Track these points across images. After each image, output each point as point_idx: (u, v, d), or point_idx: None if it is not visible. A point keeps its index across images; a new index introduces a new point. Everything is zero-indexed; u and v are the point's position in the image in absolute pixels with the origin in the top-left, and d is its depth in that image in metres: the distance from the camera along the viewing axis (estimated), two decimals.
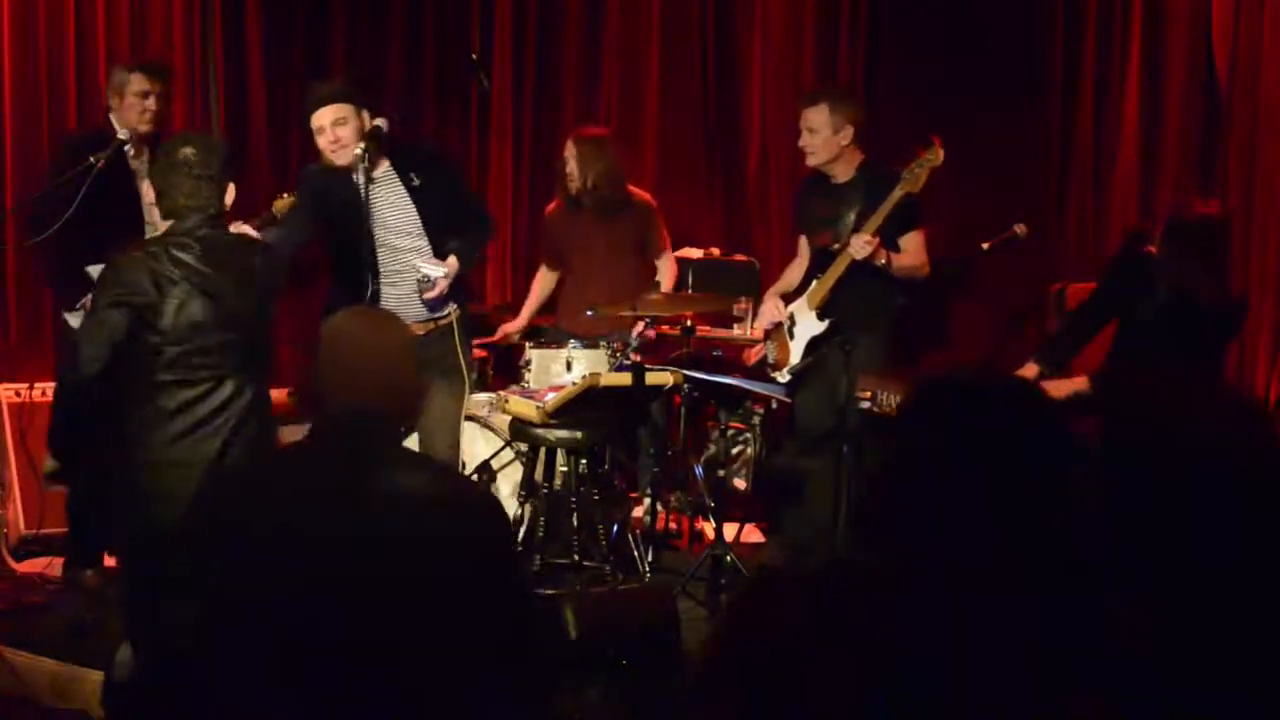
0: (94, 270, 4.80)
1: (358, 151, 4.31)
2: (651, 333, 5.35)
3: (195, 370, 3.52)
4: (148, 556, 3.43)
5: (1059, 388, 4.40)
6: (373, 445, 2.35)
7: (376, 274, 4.43)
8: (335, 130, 4.36)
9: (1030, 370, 4.50)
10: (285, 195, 5.01)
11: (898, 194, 4.70)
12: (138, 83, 4.84)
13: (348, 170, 4.41)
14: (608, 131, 5.82)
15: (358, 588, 2.17)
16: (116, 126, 4.82)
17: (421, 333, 4.55)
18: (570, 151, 5.57)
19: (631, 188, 5.70)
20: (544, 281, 5.87)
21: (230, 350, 3.56)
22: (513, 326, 5.84)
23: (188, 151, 3.51)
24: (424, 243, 4.51)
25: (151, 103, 4.85)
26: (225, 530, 2.31)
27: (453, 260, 4.48)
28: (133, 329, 3.48)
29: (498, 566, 2.32)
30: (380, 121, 4.40)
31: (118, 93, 4.85)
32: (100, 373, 3.51)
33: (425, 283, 4.44)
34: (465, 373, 4.62)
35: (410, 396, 2.53)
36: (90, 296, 4.73)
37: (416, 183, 4.51)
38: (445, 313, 4.58)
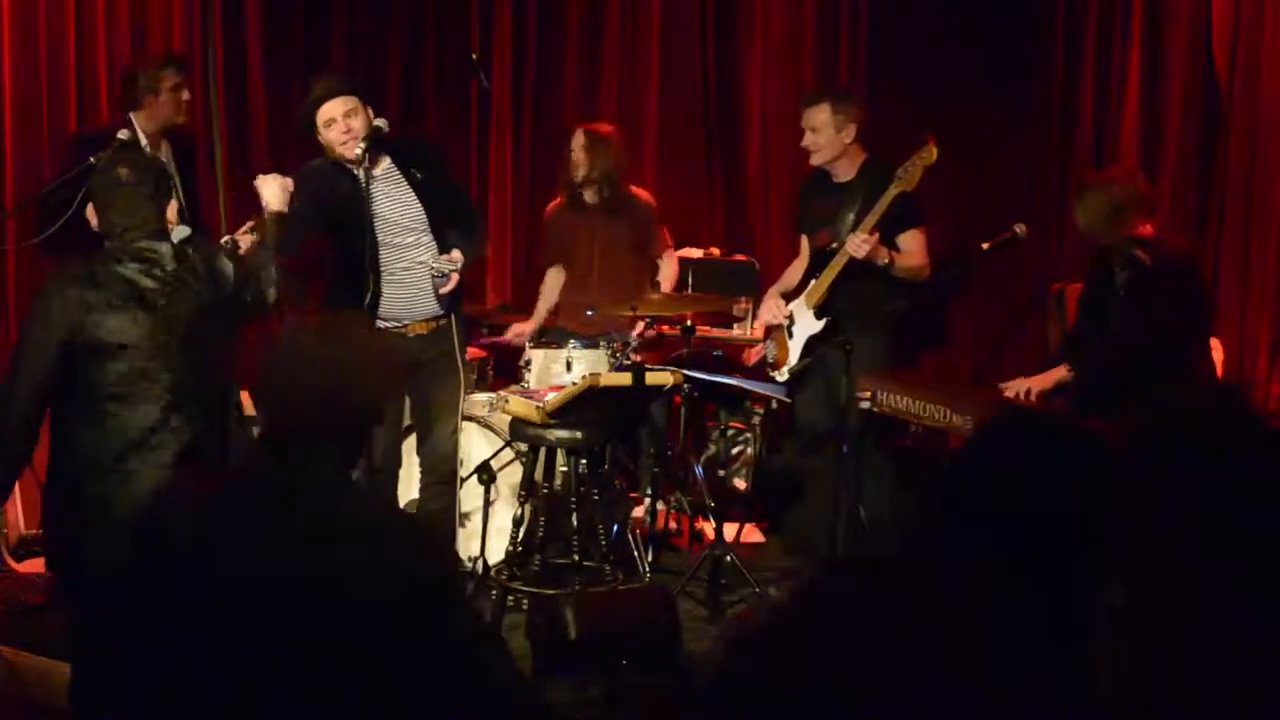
0: None
1: (358, 151, 4.31)
2: (652, 331, 5.34)
3: (131, 395, 3.34)
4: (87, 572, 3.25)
5: (1043, 379, 4.46)
6: (302, 475, 2.15)
7: (379, 273, 4.41)
8: (347, 121, 4.35)
9: (1062, 372, 4.51)
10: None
11: (892, 192, 4.72)
12: (171, 77, 4.86)
13: (348, 168, 4.40)
14: (614, 129, 5.82)
15: (280, 624, 2.04)
16: (138, 126, 4.82)
17: (425, 331, 4.55)
18: (579, 142, 5.56)
19: (632, 188, 5.70)
20: (552, 280, 5.83)
21: (170, 370, 3.37)
22: (526, 327, 5.77)
23: (123, 171, 3.47)
24: (429, 238, 4.50)
25: (185, 94, 4.89)
26: (151, 568, 2.14)
27: (457, 254, 4.46)
28: (65, 353, 3.33)
29: (429, 607, 2.10)
30: (380, 122, 4.39)
31: (149, 91, 4.84)
32: (26, 405, 3.34)
33: (439, 278, 4.43)
34: (463, 368, 4.64)
35: (355, 414, 2.23)
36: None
37: (420, 177, 4.50)
38: (449, 310, 4.57)
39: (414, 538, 2.19)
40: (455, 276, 4.43)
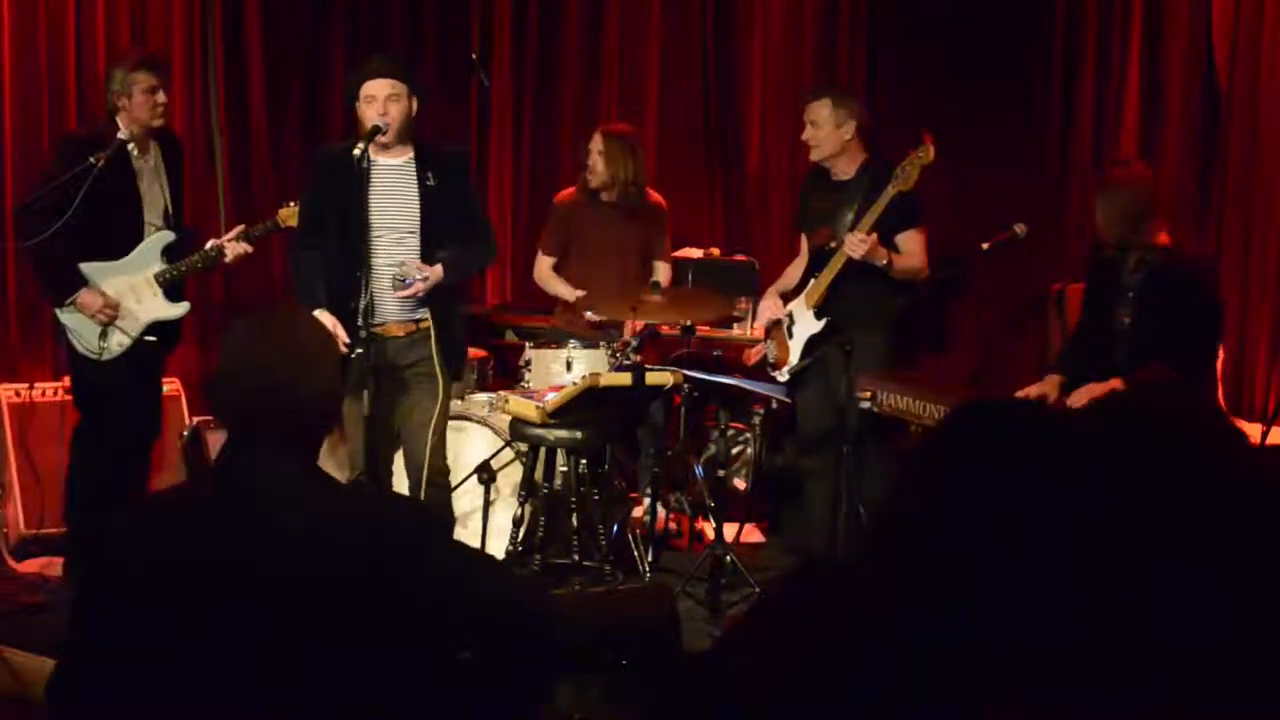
0: (86, 268, 4.82)
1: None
2: (640, 325, 5.31)
3: None
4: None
5: (1079, 396, 4.33)
6: (256, 470, 2.13)
7: (365, 266, 4.34)
8: (387, 104, 4.35)
9: (1054, 380, 4.45)
10: (292, 204, 5.00)
11: (890, 192, 4.72)
12: (145, 80, 4.84)
13: (354, 158, 4.36)
14: (634, 130, 5.79)
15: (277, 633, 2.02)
16: (122, 127, 4.82)
17: (402, 334, 4.51)
18: (597, 146, 5.55)
19: (647, 189, 5.70)
20: (549, 270, 5.79)
21: None
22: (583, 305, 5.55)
23: None
24: (415, 241, 4.46)
25: (161, 96, 4.88)
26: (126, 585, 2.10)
27: (438, 269, 4.41)
28: None
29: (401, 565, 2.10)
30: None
31: (124, 94, 4.84)
32: None
33: (400, 282, 4.41)
34: (442, 378, 4.49)
35: (297, 407, 2.16)
36: (82, 293, 4.76)
37: (431, 182, 4.46)
38: (423, 315, 4.48)
39: (378, 508, 2.22)
40: (419, 285, 4.38)
